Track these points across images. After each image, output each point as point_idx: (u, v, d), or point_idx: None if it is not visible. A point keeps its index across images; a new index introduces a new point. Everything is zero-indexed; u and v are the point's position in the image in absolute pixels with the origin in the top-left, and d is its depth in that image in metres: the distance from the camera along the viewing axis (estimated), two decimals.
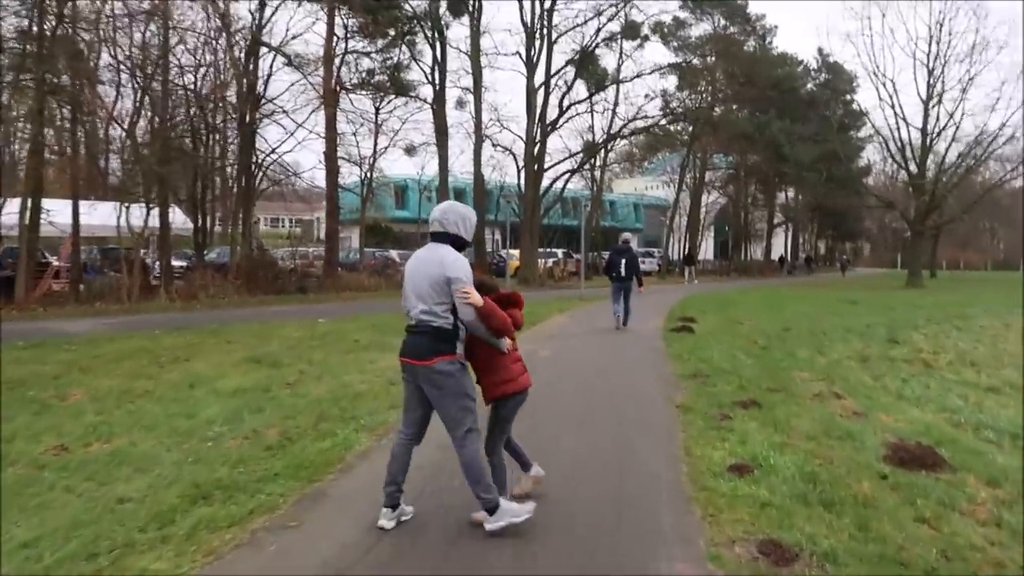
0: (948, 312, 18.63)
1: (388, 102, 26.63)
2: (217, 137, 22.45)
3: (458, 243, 3.90)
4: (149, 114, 20.29)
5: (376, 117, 25.99)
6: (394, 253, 33.63)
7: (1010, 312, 19.63)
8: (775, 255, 61.53)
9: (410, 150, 32.19)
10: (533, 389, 4.40)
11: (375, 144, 26.15)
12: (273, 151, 21.77)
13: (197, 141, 21.76)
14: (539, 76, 31.86)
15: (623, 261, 13.58)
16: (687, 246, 44.02)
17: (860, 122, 59.36)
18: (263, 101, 21.75)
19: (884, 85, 42.01)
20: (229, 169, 22.62)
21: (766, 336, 12.86)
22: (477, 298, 3.73)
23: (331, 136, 25.24)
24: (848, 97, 58.58)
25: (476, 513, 3.92)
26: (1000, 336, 14.73)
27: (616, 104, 34.98)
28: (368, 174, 26.04)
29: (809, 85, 56.09)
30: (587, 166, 36.46)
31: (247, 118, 21.03)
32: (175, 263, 22.25)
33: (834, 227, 72.96)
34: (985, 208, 38.58)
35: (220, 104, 20.84)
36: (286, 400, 7.07)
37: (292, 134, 22.72)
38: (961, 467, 5.35)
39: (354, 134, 25.88)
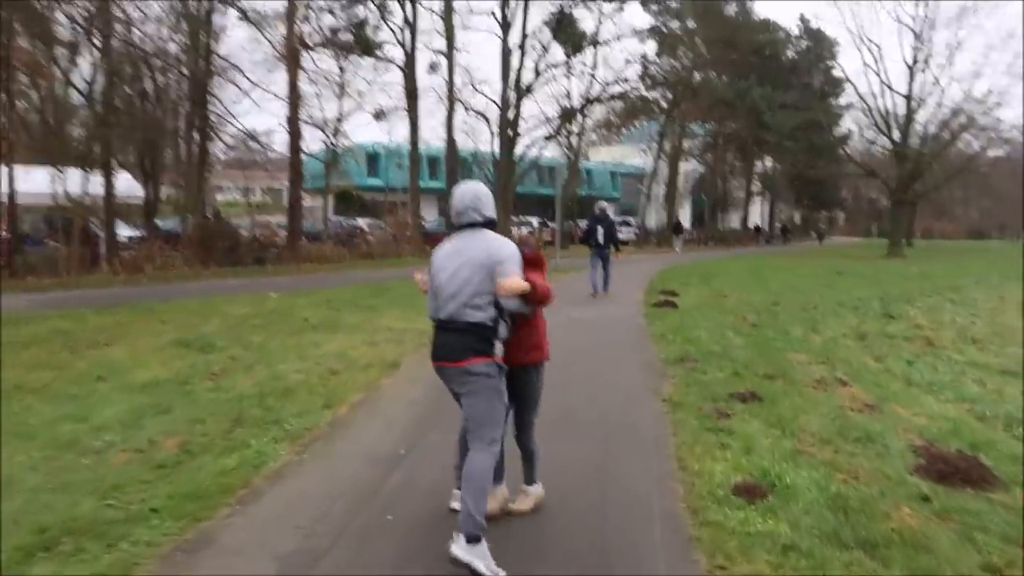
0: (939, 284, 17.86)
1: (354, 63, 24.99)
2: (166, 96, 20.79)
3: (491, 226, 3.47)
4: (92, 71, 18.72)
5: (341, 78, 24.38)
6: (362, 222, 32.31)
7: (1001, 284, 18.95)
8: (752, 224, 60.87)
9: (379, 115, 30.64)
10: None
11: (340, 108, 24.59)
12: (228, 111, 20.22)
13: (144, 101, 20.15)
14: (514, 37, 30.39)
15: (600, 229, 13.89)
16: (673, 216, 43.06)
17: (840, 89, 58.61)
18: (216, 58, 20.19)
19: (869, 50, 40.98)
20: (180, 131, 20.94)
21: (755, 311, 11.90)
22: (522, 284, 3.27)
23: (293, 98, 23.74)
24: (829, 64, 57.73)
25: (455, 546, 3.11)
26: (997, 310, 13.96)
27: (594, 68, 33.56)
28: (333, 139, 24.50)
29: (790, 52, 55.04)
30: (564, 132, 35.12)
31: (198, 75, 19.47)
32: (125, 233, 20.82)
33: (811, 196, 72.35)
34: (963, 177, 37.85)
35: (168, 60, 19.23)
36: (203, 396, 5.94)
37: (248, 94, 21.21)
38: (1012, 481, 4.41)
39: (317, 96, 24.32)
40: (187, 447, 4.63)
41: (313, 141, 27.15)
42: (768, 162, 58.95)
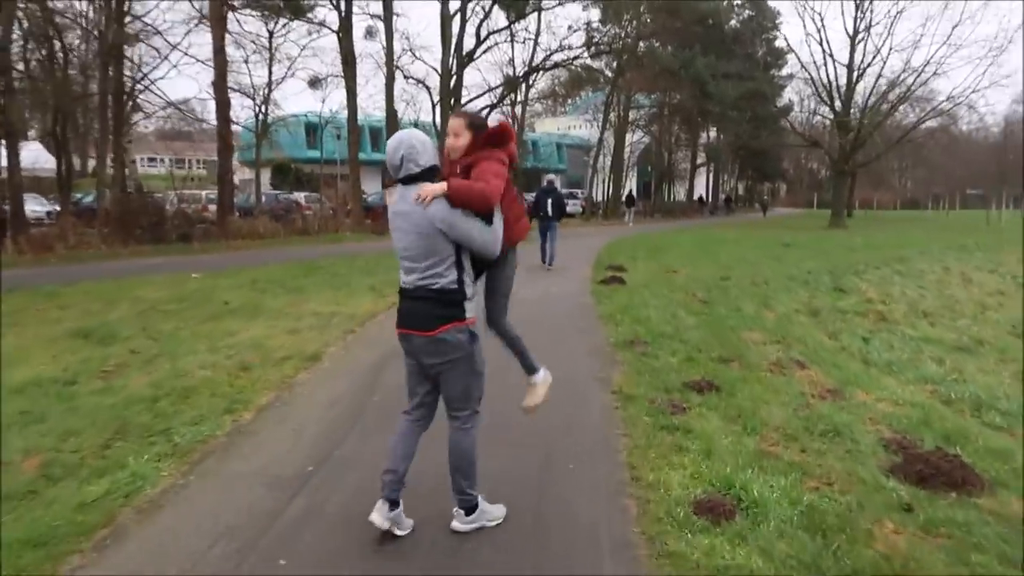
0: (884, 255, 17.81)
1: (284, 25, 23.61)
2: (78, 60, 19.23)
3: (432, 175, 3.05)
4: None
5: (270, 43, 22.99)
6: (300, 196, 31.07)
7: (943, 255, 19.05)
8: (696, 196, 61.13)
9: (314, 82, 29.37)
10: None
11: (270, 74, 23.25)
12: (145, 76, 18.79)
13: (53, 64, 18.58)
14: (455, 2, 29.33)
15: (549, 201, 14.03)
16: (621, 187, 42.68)
17: (782, 60, 59.00)
18: (132, 19, 18.70)
19: (812, 19, 40.91)
20: (92, 97, 19.38)
21: (705, 287, 11.47)
22: (433, 188, 2.94)
23: (219, 63, 22.34)
24: (772, 35, 57.93)
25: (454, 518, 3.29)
26: (943, 282, 13.87)
27: (538, 34, 32.74)
28: (263, 107, 23.19)
29: (734, 21, 54.95)
30: (507, 102, 34.27)
31: (111, 36, 18.00)
32: (39, 209, 19.36)
33: (754, 168, 73.08)
34: (899, 148, 38.34)
35: (78, 20, 17.71)
36: (87, 401, 5.12)
37: (166, 57, 19.77)
38: (997, 482, 3.97)
39: (245, 61, 22.98)
40: (49, 469, 3.86)
41: (244, 111, 25.73)
42: (712, 133, 59.12)
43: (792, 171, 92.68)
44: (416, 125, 32.23)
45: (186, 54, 20.45)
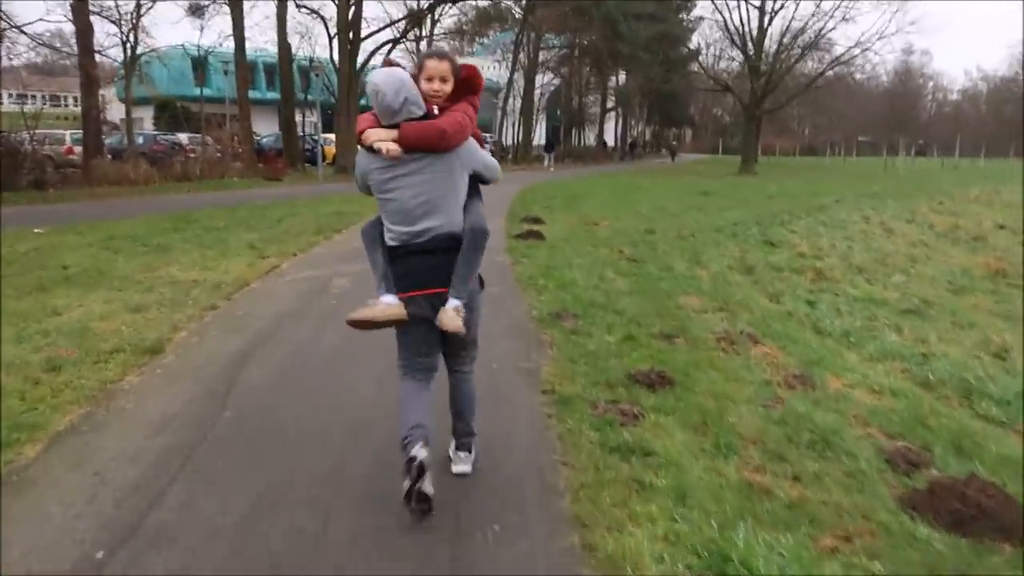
0: (803, 204, 17.33)
1: None
2: None
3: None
4: None
5: None
6: (183, 137, 28.23)
7: (858, 202, 18.81)
8: (605, 141, 60.57)
9: (195, 9, 26.45)
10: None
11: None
12: None
13: None
14: None
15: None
16: (532, 131, 41.30)
17: (692, 4, 58.47)
18: None
19: None
20: None
21: (631, 242, 10.45)
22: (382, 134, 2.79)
23: None
24: None
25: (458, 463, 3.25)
26: (868, 233, 13.40)
27: None
28: (130, 35, 20.39)
29: None
30: (411, 37, 32.06)
31: None
32: None
33: (663, 113, 73.02)
34: (805, 95, 38.49)
35: None
36: None
37: None
38: None
39: None
40: None
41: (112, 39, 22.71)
42: (622, 77, 58.25)
43: (698, 117, 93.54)
44: (312, 62, 29.75)
45: None
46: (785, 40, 33.06)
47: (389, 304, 2.94)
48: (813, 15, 33.27)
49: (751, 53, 33.66)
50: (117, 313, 5.72)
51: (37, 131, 18.35)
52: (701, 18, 57.62)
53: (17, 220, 11.76)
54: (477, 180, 3.07)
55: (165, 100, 39.21)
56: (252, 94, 43.03)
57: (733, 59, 47.11)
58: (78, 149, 21.39)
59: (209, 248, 9.05)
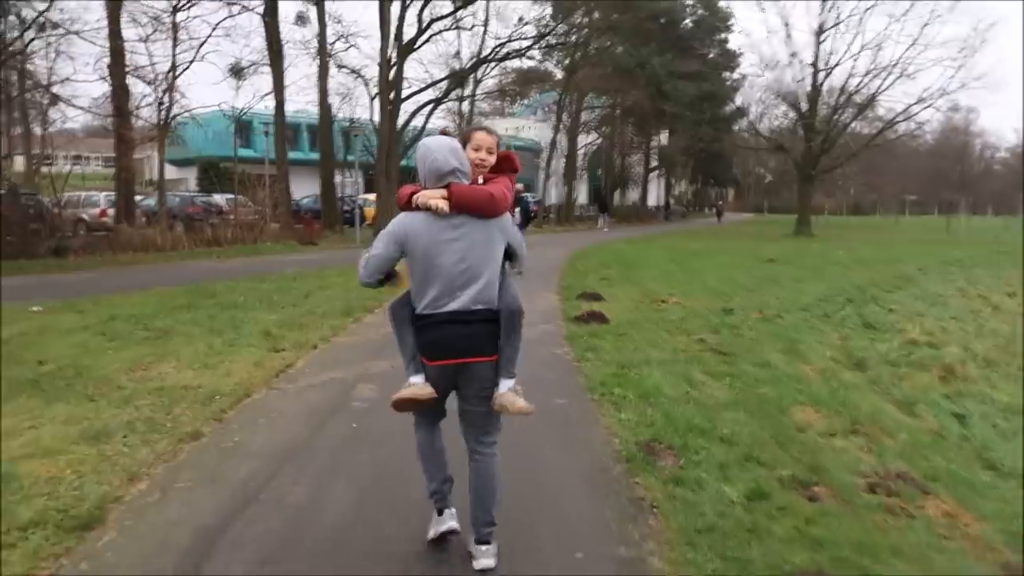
0: (884, 274, 15.58)
1: (188, 3, 20.19)
2: None
3: None
4: None
5: (173, 18, 19.57)
6: (220, 199, 27.57)
7: (946, 272, 16.98)
8: (653, 202, 59.35)
9: (237, 70, 26.11)
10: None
11: (173, 58, 19.82)
12: (7, 48, 15.31)
13: None
14: None
15: (517, 209, 13.67)
16: (575, 191, 40.33)
17: (735, 63, 57.55)
18: None
19: (776, 14, 38.95)
20: None
21: (709, 326, 8.88)
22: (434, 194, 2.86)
23: (115, 45, 18.96)
24: (724, 36, 56.38)
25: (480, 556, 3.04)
26: (976, 311, 11.63)
27: (487, 22, 29.92)
28: (165, 95, 19.78)
29: (688, 21, 53.18)
30: (454, 97, 31.36)
31: None
32: None
33: (706, 172, 71.67)
34: (867, 153, 36.68)
35: None
36: None
37: (29, 26, 16.26)
38: None
39: (144, 41, 19.54)
40: None
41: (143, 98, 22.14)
42: (664, 137, 57.20)
43: (739, 176, 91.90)
44: (352, 122, 29.18)
45: (67, 29, 16.87)
46: (842, 99, 31.53)
47: (423, 385, 2.99)
48: (868, 73, 31.82)
49: (804, 111, 32.20)
50: (70, 444, 4.33)
51: (66, 194, 17.67)
52: (745, 76, 56.71)
53: (25, 293, 10.69)
54: (506, 257, 3.05)
55: (208, 161, 39.19)
56: (295, 155, 43.07)
57: (777, 117, 45.70)
58: (112, 212, 20.73)
59: (218, 334, 7.73)
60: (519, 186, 14.97)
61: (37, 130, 48.69)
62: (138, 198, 23.85)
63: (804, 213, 33.60)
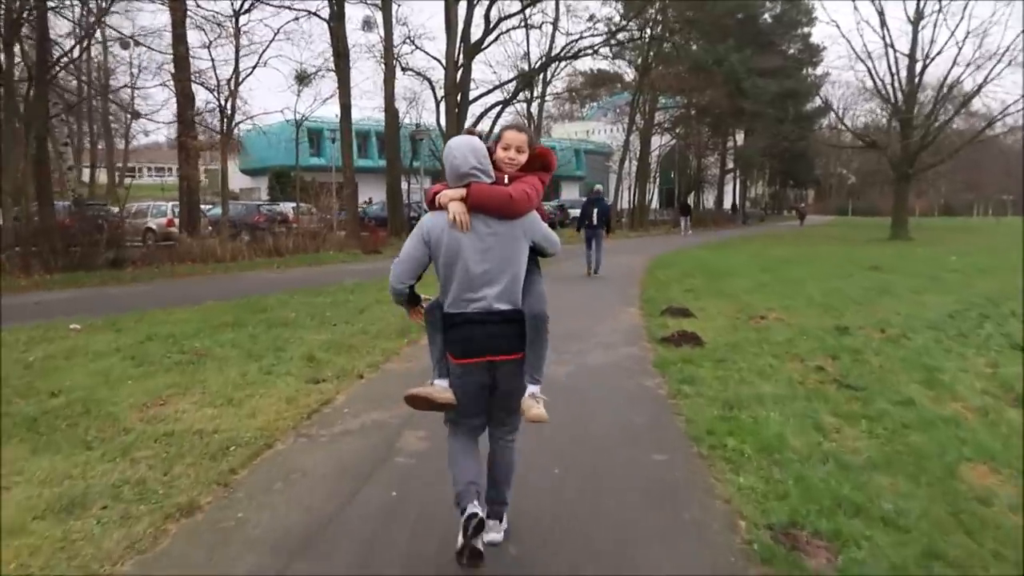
0: (1007, 284, 13.65)
1: (251, 5, 19.73)
2: None
3: None
4: None
5: (236, 23, 19.14)
6: (286, 207, 27.31)
7: None
8: (728, 204, 57.05)
9: (302, 77, 25.73)
10: None
11: (236, 63, 19.40)
12: (65, 55, 15.02)
13: None
14: None
15: (595, 211, 14.24)
16: (651, 195, 38.78)
17: (817, 58, 54.77)
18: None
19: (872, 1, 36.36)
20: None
21: (824, 348, 7.47)
22: (453, 194, 2.87)
23: (179, 51, 18.67)
24: (806, 30, 53.73)
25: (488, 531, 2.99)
26: None
27: (556, 20, 28.77)
28: (227, 101, 19.34)
29: (767, 15, 50.81)
30: (522, 99, 30.36)
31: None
32: None
33: (785, 173, 68.66)
34: (968, 149, 33.75)
35: None
36: None
37: (81, 25, 15.93)
38: None
39: (208, 47, 19.18)
40: None
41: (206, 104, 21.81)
42: (740, 137, 54.84)
43: (820, 176, 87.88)
44: (418, 127, 28.51)
45: (118, 33, 16.51)
46: (943, 91, 29.02)
47: (445, 389, 3.03)
48: (970, 64, 29.25)
49: (901, 105, 29.81)
50: (33, 519, 3.39)
51: (135, 204, 17.41)
52: (827, 74, 53.91)
53: (74, 308, 10.14)
54: (538, 253, 3.04)
55: (279, 170, 39.37)
56: (365, 162, 42.99)
57: (862, 113, 42.88)
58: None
59: (256, 359, 6.82)
60: (597, 187, 14.56)
61: (120, 144, 50.27)
62: (205, 207, 23.70)
63: (901, 215, 31.10)
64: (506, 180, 2.90)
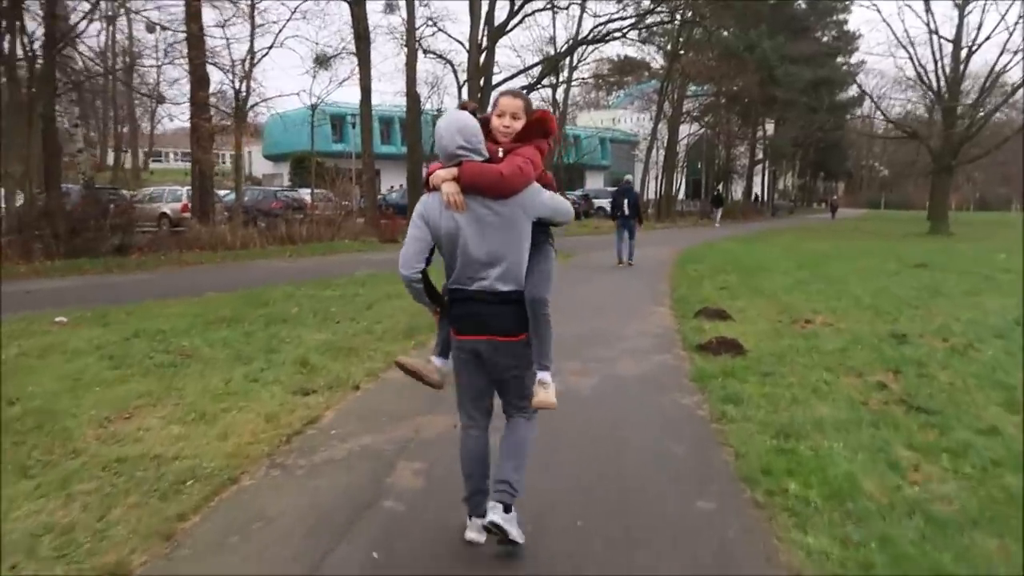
0: None
1: None
2: None
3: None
4: None
5: (251, 4, 18.45)
6: (305, 193, 26.71)
7: None
8: (753, 194, 55.56)
9: (321, 60, 25.05)
10: None
11: (251, 44, 18.72)
12: (72, 36, 14.44)
13: None
14: None
15: (626, 201, 14.30)
16: (677, 185, 37.72)
17: (852, 46, 53.08)
18: None
19: None
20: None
21: (884, 360, 6.60)
22: (444, 174, 2.76)
23: (193, 29, 18.03)
24: (841, 17, 52.07)
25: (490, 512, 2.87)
26: None
27: (584, 1, 27.74)
28: (242, 83, 18.69)
29: (801, 1, 49.24)
30: (547, 83, 29.42)
31: None
32: None
33: (816, 164, 66.93)
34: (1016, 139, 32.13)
35: None
36: None
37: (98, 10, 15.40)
38: None
39: (223, 26, 18.51)
40: None
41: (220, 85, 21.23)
42: (769, 127, 53.33)
43: (851, 168, 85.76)
44: (440, 111, 27.76)
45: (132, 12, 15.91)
46: (990, 80, 27.63)
47: (438, 368, 3.10)
48: (1018, 51, 27.78)
49: (944, 94, 28.46)
50: None
51: (151, 188, 16.84)
52: (863, 62, 52.17)
53: (66, 298, 9.56)
54: (548, 225, 2.95)
55: (301, 155, 38.85)
56: (387, 149, 42.32)
57: (899, 103, 41.24)
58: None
59: (245, 362, 6.13)
60: (627, 176, 14.28)
61: (146, 128, 50.15)
62: (221, 192, 23.15)
63: (941, 209, 29.77)
64: (500, 154, 2.78)
